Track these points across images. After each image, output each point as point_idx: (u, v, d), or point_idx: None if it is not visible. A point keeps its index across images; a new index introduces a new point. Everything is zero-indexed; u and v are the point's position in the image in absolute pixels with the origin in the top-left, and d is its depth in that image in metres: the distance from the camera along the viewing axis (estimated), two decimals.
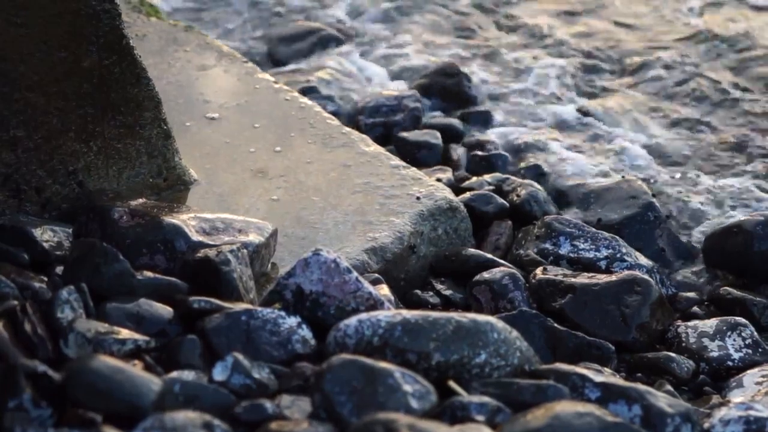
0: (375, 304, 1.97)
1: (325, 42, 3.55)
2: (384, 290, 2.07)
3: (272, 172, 2.50)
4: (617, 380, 1.93)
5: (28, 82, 2.16)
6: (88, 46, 2.21)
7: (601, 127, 3.16)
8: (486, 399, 1.76)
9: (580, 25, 3.88)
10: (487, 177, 2.75)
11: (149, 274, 1.99)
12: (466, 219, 2.48)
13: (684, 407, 1.86)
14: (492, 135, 3.07)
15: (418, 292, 2.33)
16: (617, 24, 3.88)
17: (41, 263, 1.99)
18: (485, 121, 3.13)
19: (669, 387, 2.08)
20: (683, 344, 2.23)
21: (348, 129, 2.67)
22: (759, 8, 3.93)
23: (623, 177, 2.82)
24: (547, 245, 2.45)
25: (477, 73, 3.52)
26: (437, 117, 3.12)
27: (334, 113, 2.92)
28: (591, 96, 3.44)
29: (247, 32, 3.76)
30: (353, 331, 1.84)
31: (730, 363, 2.19)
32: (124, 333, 1.82)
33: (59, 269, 1.98)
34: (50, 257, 2.00)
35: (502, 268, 2.33)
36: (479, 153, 2.91)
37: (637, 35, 3.86)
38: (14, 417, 1.58)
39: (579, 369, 1.91)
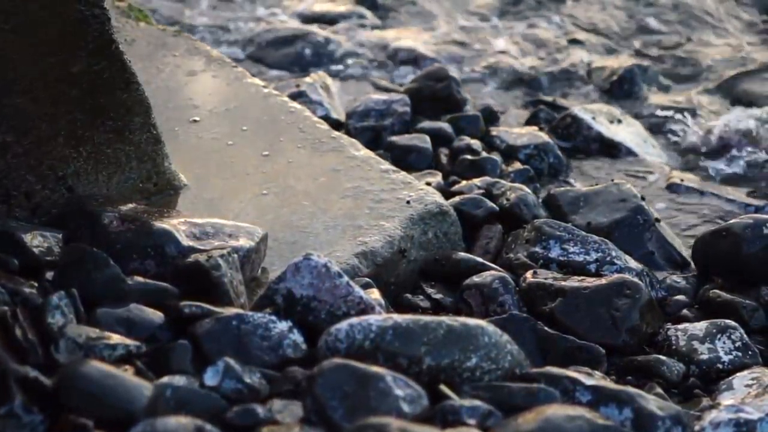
0: (366, 308, 1.97)
1: (314, 46, 3.55)
2: (375, 294, 2.08)
3: (262, 176, 2.50)
4: (608, 383, 1.93)
5: (17, 87, 2.16)
6: (77, 51, 2.20)
7: (592, 130, 3.17)
8: (477, 402, 1.77)
9: (569, 29, 3.89)
10: (476, 181, 2.75)
11: (140, 279, 1.99)
12: (456, 223, 2.49)
13: (674, 410, 1.87)
14: (481, 138, 3.07)
15: (409, 296, 2.33)
16: (605, 25, 3.89)
17: (31, 269, 1.99)
18: (475, 124, 3.13)
19: (659, 390, 2.08)
20: (673, 347, 2.24)
21: (337, 133, 2.68)
22: None
23: (613, 180, 2.83)
24: (537, 249, 2.46)
25: (466, 75, 3.53)
26: (426, 121, 3.13)
27: (324, 117, 2.93)
28: (584, 97, 3.45)
29: (236, 36, 3.76)
30: (344, 335, 1.84)
31: (720, 365, 2.20)
32: (115, 338, 1.82)
33: (50, 275, 1.97)
34: (40, 262, 2.00)
35: (492, 272, 2.33)
36: (469, 157, 2.91)
37: (627, 34, 3.87)
38: (6, 423, 1.58)
39: (570, 372, 1.92)
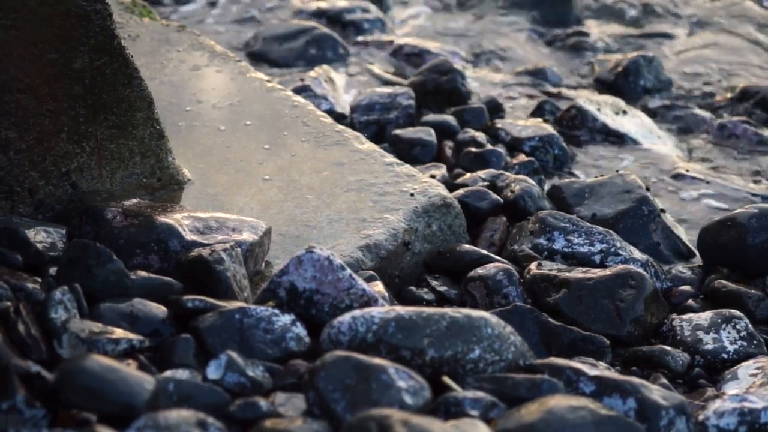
0: (369, 301, 1.97)
1: (318, 40, 3.54)
2: (378, 287, 2.07)
3: (265, 171, 2.50)
4: (612, 374, 1.93)
5: (19, 84, 2.16)
6: (79, 47, 2.20)
7: (596, 121, 3.16)
8: (480, 394, 1.77)
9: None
10: (481, 173, 2.75)
11: (143, 274, 1.99)
12: (460, 215, 2.48)
13: (678, 400, 1.86)
14: (486, 131, 3.07)
15: (413, 288, 2.33)
16: (605, 20, 3.88)
17: (35, 264, 1.99)
18: (479, 117, 3.13)
19: (664, 380, 2.08)
20: (678, 337, 2.23)
21: (341, 127, 2.67)
22: None
23: (617, 171, 2.82)
24: (542, 240, 2.45)
25: (470, 69, 3.52)
26: (431, 114, 3.12)
27: (328, 111, 2.92)
28: (585, 91, 3.44)
29: (239, 31, 3.77)
30: (347, 328, 1.84)
31: (724, 355, 2.19)
32: (118, 333, 1.82)
33: (53, 270, 1.97)
34: (44, 258, 2.00)
35: (496, 264, 2.33)
36: (473, 149, 2.90)
37: (630, 30, 3.86)
38: (8, 418, 1.58)
39: (573, 363, 1.91)
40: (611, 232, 2.48)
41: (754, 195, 2.89)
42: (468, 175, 2.76)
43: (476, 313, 1.90)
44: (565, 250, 2.43)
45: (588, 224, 2.48)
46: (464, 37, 3.79)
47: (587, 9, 3.99)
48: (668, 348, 2.19)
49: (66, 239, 2.07)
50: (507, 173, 2.75)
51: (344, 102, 3.16)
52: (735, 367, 2.13)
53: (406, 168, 2.54)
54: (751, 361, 2.13)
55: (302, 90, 3.11)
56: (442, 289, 2.33)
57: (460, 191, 2.62)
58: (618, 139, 3.14)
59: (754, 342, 2.21)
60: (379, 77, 3.36)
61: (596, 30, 3.88)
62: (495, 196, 2.62)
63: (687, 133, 3.30)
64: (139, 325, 1.88)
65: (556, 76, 3.51)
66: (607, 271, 2.28)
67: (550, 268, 2.33)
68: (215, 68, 2.86)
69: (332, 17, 3.79)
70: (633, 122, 3.23)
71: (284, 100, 2.75)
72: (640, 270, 2.31)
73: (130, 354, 1.81)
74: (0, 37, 2.12)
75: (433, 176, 2.68)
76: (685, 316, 2.28)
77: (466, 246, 2.42)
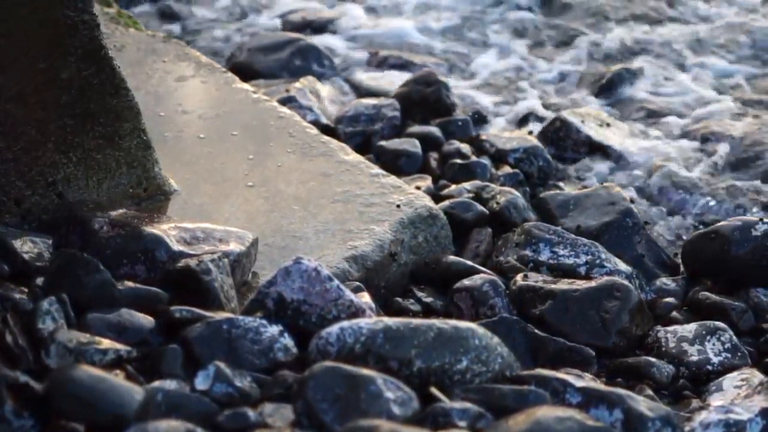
0: (356, 312, 1.97)
1: (303, 51, 3.55)
2: (365, 298, 2.08)
3: (252, 181, 2.50)
4: (598, 385, 1.94)
5: (7, 93, 2.16)
6: (67, 57, 2.21)
7: (581, 133, 3.18)
8: (468, 405, 1.77)
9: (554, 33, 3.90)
10: (466, 184, 2.76)
11: (130, 284, 2.00)
12: (446, 226, 2.49)
13: (664, 411, 1.88)
14: (471, 142, 3.08)
15: (399, 299, 2.33)
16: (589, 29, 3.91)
17: (22, 274, 1.99)
18: (464, 129, 3.14)
19: (649, 391, 2.09)
20: (663, 349, 2.25)
21: (327, 138, 2.68)
22: None
23: (602, 183, 2.84)
24: (527, 252, 2.46)
25: (455, 81, 3.54)
26: (416, 125, 3.13)
27: (314, 122, 2.93)
28: (571, 103, 3.46)
29: (224, 42, 3.77)
30: (335, 338, 1.84)
31: (709, 367, 2.20)
32: (106, 343, 1.82)
33: (40, 280, 1.97)
34: (31, 268, 2.00)
35: (482, 275, 2.34)
36: (458, 161, 2.91)
37: (616, 43, 3.88)
38: None
39: (560, 374, 1.93)
40: (596, 243, 2.49)
41: (737, 207, 2.91)
42: (453, 186, 2.77)
43: (463, 324, 1.91)
44: (551, 261, 2.45)
45: (573, 236, 2.50)
46: (450, 51, 3.81)
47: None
48: (653, 359, 2.20)
49: (53, 249, 2.06)
50: (492, 184, 2.76)
51: (330, 113, 3.17)
52: (720, 379, 2.14)
53: (392, 179, 2.55)
54: (735, 373, 2.15)
55: (288, 101, 3.11)
56: (428, 299, 2.34)
57: (446, 202, 2.63)
58: (602, 151, 3.16)
59: (739, 354, 2.23)
60: (365, 88, 3.37)
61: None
62: (480, 207, 2.63)
63: (670, 145, 3.32)
64: (126, 335, 1.88)
65: (540, 89, 3.53)
66: (593, 283, 2.30)
67: (535, 279, 2.34)
68: (201, 79, 2.86)
69: (317, 28, 3.80)
70: (616, 134, 3.25)
71: (270, 111, 2.76)
72: (625, 281, 2.32)
73: (117, 364, 1.81)
74: None
75: (418, 187, 2.69)
76: (670, 328, 2.30)
77: (452, 257, 2.43)
